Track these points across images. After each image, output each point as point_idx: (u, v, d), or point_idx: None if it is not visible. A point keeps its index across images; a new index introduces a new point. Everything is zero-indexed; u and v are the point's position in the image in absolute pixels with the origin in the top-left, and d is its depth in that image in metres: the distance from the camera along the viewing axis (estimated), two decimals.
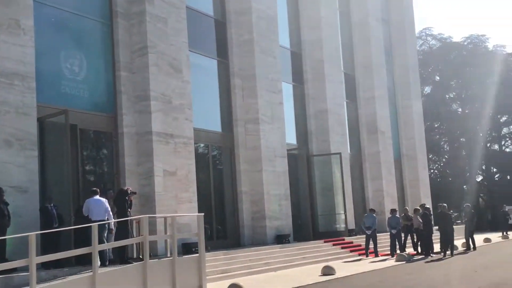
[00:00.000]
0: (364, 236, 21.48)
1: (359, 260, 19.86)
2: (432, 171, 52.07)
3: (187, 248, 15.91)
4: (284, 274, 16.16)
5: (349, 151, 27.82)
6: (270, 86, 21.99)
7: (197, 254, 13.67)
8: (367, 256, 20.80)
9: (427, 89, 56.50)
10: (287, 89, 24.67)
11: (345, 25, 30.04)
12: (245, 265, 16.57)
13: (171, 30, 17.89)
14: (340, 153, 25.30)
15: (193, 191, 17.74)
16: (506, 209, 36.23)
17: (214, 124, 20.89)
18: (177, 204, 17.03)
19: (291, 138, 24.47)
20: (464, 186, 54.45)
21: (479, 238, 25.80)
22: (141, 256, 13.15)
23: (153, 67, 17.00)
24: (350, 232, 24.80)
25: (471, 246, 22.53)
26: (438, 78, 57.25)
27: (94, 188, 13.60)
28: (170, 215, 14.43)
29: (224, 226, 20.78)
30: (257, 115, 21.19)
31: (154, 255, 14.49)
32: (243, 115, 21.32)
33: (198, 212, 15.86)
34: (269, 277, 15.54)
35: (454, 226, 21.43)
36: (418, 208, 22.24)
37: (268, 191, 21.06)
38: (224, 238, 20.41)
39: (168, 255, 13.73)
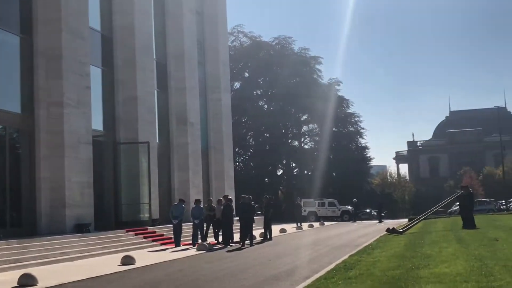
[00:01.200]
0: (172, 225, 21.46)
1: (165, 250, 19.85)
2: (237, 163, 54.02)
3: None
4: (82, 264, 15.68)
5: (157, 140, 27.78)
6: (77, 69, 21.07)
7: None
8: (176, 245, 20.73)
9: (237, 85, 58.46)
10: (96, 73, 23.87)
11: (159, 14, 29.84)
12: (40, 255, 15.83)
13: None
14: (148, 142, 25.14)
15: None
16: (301, 202, 38.73)
17: (12, 104, 19.55)
18: None
19: (98, 124, 23.74)
20: (266, 179, 57.46)
21: (276, 228, 27.29)
22: None
23: None
24: (154, 222, 24.76)
25: (268, 236, 23.74)
26: (247, 74, 59.55)
27: None
28: None
29: (19, 213, 19.57)
30: (62, 98, 20.21)
31: None
32: (46, 97, 20.17)
33: None
34: (65, 267, 14.96)
35: (254, 217, 22.38)
36: (221, 198, 22.88)
37: (70, 178, 20.22)
38: (18, 226, 19.25)
39: None
